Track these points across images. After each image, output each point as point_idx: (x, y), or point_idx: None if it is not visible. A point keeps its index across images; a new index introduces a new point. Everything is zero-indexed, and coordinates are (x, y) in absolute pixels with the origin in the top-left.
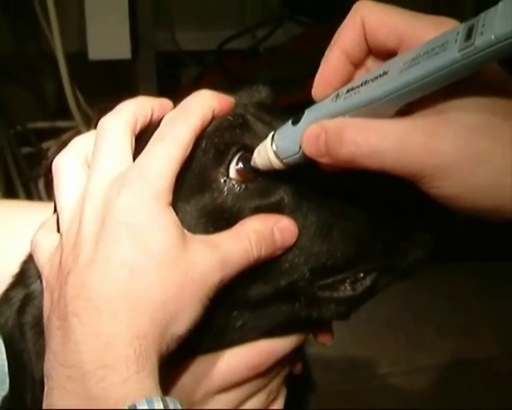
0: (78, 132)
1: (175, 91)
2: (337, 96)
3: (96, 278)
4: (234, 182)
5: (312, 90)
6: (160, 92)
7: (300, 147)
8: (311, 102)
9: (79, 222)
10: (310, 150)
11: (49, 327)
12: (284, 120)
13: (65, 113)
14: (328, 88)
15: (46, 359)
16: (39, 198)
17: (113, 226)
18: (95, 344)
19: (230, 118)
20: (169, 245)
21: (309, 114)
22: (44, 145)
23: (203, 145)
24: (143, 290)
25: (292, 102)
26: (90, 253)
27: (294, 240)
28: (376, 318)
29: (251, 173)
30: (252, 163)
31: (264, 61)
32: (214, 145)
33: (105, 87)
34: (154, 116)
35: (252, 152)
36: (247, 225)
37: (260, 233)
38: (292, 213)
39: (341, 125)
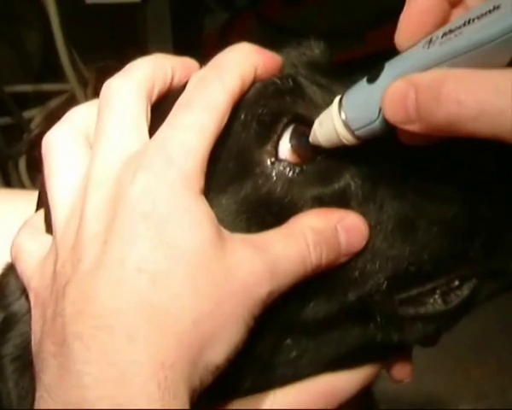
0: (72, 98)
1: (195, 46)
2: (430, 41)
3: (106, 289)
4: (285, 164)
5: (396, 37)
6: (176, 47)
7: (380, 112)
8: (375, 57)
9: (80, 217)
10: (394, 115)
11: (40, 356)
12: (348, 83)
13: (53, 73)
14: (416, 33)
15: (38, 397)
16: (20, 183)
17: (128, 220)
18: (105, 376)
19: (278, 81)
20: (202, 245)
21: (391, 67)
22: (26, 114)
23: (243, 116)
24: (168, 304)
25: (349, 59)
26: (96, 256)
27: (365, 241)
28: (459, 339)
29: (308, 152)
30: (310, 138)
31: (311, 6)
32: (258, 116)
33: (105, 40)
34: (176, 80)
35: (308, 124)
36: (303, 222)
37: (320, 233)
38: (362, 205)
39: (438, 78)
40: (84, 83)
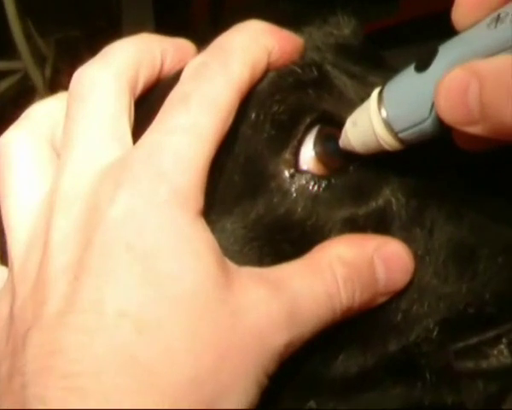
0: (26, 79)
1: (184, 20)
2: (497, 19)
3: (77, 340)
4: (307, 177)
5: (453, 13)
6: (159, 22)
7: (432, 109)
8: (410, 27)
9: (45, 246)
10: (451, 113)
11: None
12: (389, 72)
13: (2, 48)
14: (479, 8)
15: None
16: None
17: (106, 251)
18: None
19: (298, 69)
20: (202, 283)
21: (446, 52)
22: None
23: (253, 116)
24: (159, 361)
25: (378, 29)
26: (64, 296)
27: (410, 275)
28: None
29: (337, 161)
30: (340, 143)
31: None
32: (272, 115)
33: (68, 9)
34: (166, 67)
35: (337, 125)
36: (331, 251)
37: (353, 266)
38: (406, 230)
39: (509, 66)
40: (40, 60)
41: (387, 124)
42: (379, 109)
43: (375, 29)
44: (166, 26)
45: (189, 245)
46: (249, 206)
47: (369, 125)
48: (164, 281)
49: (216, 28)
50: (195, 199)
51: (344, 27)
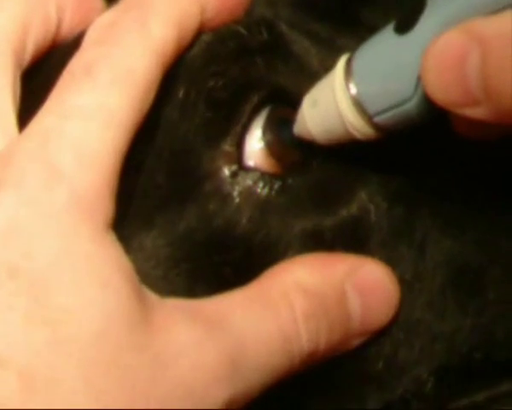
0: None
1: None
2: None
3: None
4: (255, 176)
5: None
6: None
7: (417, 85)
8: None
9: None
10: (444, 90)
11: None
12: (364, 32)
13: None
14: None
15: None
16: None
17: None
18: None
19: (242, 30)
20: (110, 322)
21: (437, 6)
22: None
23: (182, 93)
24: None
25: None
26: None
27: (394, 309)
28: None
29: (295, 154)
30: (295, 129)
31: None
32: (208, 92)
33: None
34: (65, 26)
35: (294, 105)
36: (286, 277)
37: (316, 297)
38: (388, 247)
39: None
40: None
41: (358, 104)
42: (346, 84)
43: None
44: None
45: (92, 269)
46: (177, 215)
47: (333, 105)
48: (58, 318)
49: None
50: (102, 206)
51: None
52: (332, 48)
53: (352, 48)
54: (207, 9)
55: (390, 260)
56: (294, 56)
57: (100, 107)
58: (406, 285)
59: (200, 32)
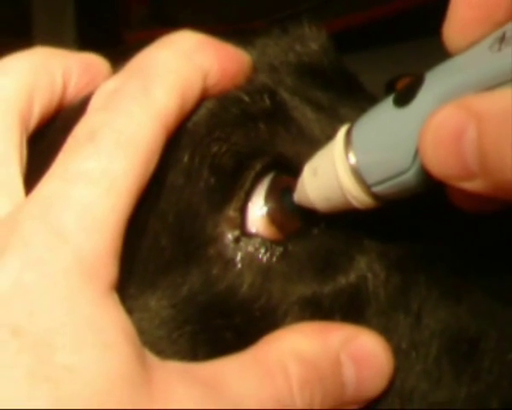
0: None
1: (113, 31)
2: (502, 39)
3: None
4: (256, 242)
5: (444, 30)
6: (84, 40)
7: (415, 157)
8: (405, 21)
9: None
10: (441, 164)
11: None
12: (364, 102)
13: None
14: (477, 24)
15: None
16: None
17: None
18: None
19: (244, 96)
20: (111, 383)
21: (435, 81)
22: None
23: (186, 159)
24: None
25: (364, 22)
26: None
27: (389, 378)
28: None
29: (296, 221)
30: (295, 197)
31: None
32: (212, 159)
33: None
34: (70, 91)
35: (294, 172)
36: (284, 344)
37: (312, 365)
38: (385, 315)
39: None
40: None
41: (357, 174)
42: (346, 154)
43: (356, 24)
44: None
45: (95, 330)
46: (180, 278)
47: (332, 174)
48: (61, 376)
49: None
50: (106, 268)
51: (310, 41)
52: (333, 116)
53: (353, 117)
54: (210, 76)
55: (386, 329)
56: (296, 123)
57: (104, 172)
58: (402, 353)
59: (202, 98)
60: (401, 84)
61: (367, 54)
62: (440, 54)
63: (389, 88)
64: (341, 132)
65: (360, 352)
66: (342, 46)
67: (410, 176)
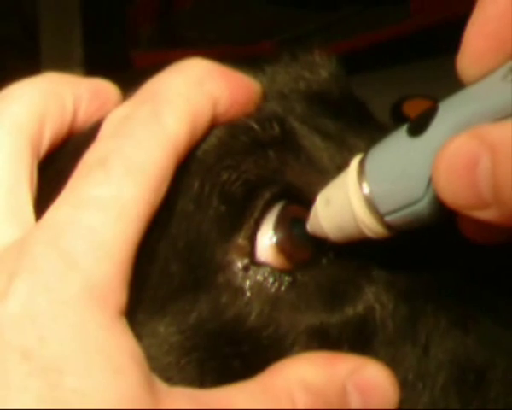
0: None
1: (122, 58)
2: None
3: None
4: (266, 271)
5: (458, 60)
6: (91, 61)
7: (428, 186)
8: (423, 38)
9: None
10: (455, 193)
11: None
12: (376, 132)
13: None
14: (491, 55)
15: None
16: None
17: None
18: None
19: (254, 124)
20: (124, 406)
21: (448, 111)
22: None
23: (196, 187)
24: None
25: (382, 40)
26: None
27: (395, 408)
28: None
29: (305, 250)
30: (308, 227)
31: None
32: (221, 187)
33: None
34: (81, 117)
35: (307, 202)
36: (291, 373)
37: (318, 394)
38: (392, 346)
39: None
40: None
41: (370, 204)
42: (359, 184)
43: (374, 42)
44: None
45: (104, 356)
46: (189, 305)
47: (346, 204)
48: (70, 400)
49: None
50: (115, 294)
51: (320, 68)
52: (342, 145)
53: (362, 146)
54: (220, 104)
55: (394, 359)
56: (305, 151)
57: (114, 198)
58: (409, 384)
59: (212, 125)
60: (408, 108)
61: (373, 75)
62: (445, 75)
63: (395, 109)
64: (355, 162)
65: (366, 383)
66: (348, 67)
67: (423, 205)
